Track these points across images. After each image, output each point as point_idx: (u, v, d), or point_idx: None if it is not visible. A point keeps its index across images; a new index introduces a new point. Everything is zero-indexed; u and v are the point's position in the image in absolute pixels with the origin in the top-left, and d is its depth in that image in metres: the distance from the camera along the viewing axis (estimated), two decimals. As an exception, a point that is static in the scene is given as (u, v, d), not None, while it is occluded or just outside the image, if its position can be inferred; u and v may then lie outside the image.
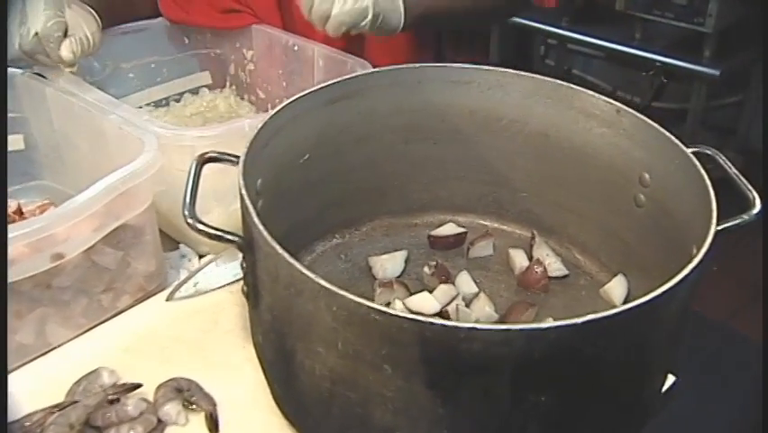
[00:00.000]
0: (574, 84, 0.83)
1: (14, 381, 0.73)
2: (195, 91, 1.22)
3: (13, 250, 0.67)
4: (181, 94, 1.22)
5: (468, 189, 0.92)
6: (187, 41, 1.20)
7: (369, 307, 0.52)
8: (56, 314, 0.76)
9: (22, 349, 0.74)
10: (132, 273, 0.81)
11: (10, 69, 0.97)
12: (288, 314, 0.60)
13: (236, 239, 0.62)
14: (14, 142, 1.01)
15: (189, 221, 0.63)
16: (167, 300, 0.83)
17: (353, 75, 0.84)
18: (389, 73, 0.84)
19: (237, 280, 0.86)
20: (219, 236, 0.62)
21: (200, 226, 0.62)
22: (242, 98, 1.21)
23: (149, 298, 0.84)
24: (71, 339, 0.78)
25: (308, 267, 0.83)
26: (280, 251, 0.57)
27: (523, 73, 0.84)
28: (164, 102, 1.20)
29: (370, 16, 0.87)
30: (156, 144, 0.79)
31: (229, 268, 0.87)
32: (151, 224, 0.82)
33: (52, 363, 0.75)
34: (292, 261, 0.56)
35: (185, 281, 0.85)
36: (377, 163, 0.88)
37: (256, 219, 0.59)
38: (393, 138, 0.88)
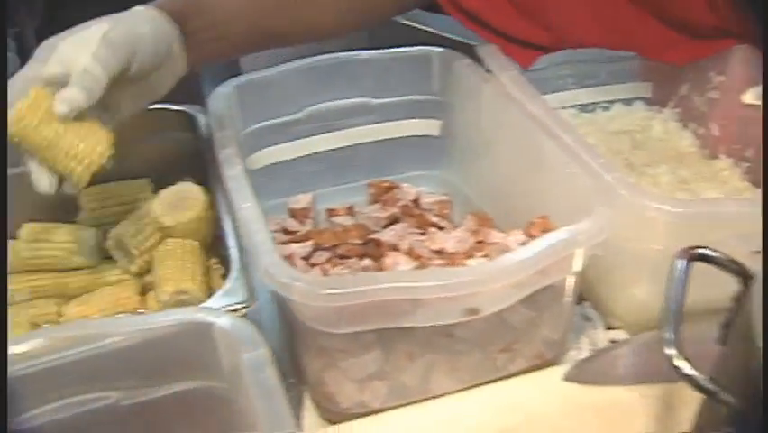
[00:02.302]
0: None
1: (393, 418, 0.66)
2: (628, 102, 1.04)
3: (428, 294, 0.58)
4: (612, 102, 1.05)
5: None
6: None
7: None
8: (445, 363, 0.66)
9: (404, 390, 0.66)
10: (535, 336, 0.68)
11: (444, 50, 0.88)
12: None
13: (733, 401, 0.44)
14: (429, 126, 0.94)
15: (670, 351, 0.46)
16: (564, 380, 0.69)
17: None
18: None
19: (651, 381, 0.69)
20: (710, 392, 0.45)
21: (687, 371, 0.45)
22: (686, 126, 0.99)
23: (543, 367, 0.70)
24: (452, 393, 0.68)
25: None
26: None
27: None
28: (591, 107, 1.04)
29: None
30: (611, 202, 0.63)
31: (640, 357, 0.71)
32: (573, 288, 0.68)
33: (428, 414, 0.67)
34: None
35: (589, 361, 0.70)
36: None
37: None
38: None
